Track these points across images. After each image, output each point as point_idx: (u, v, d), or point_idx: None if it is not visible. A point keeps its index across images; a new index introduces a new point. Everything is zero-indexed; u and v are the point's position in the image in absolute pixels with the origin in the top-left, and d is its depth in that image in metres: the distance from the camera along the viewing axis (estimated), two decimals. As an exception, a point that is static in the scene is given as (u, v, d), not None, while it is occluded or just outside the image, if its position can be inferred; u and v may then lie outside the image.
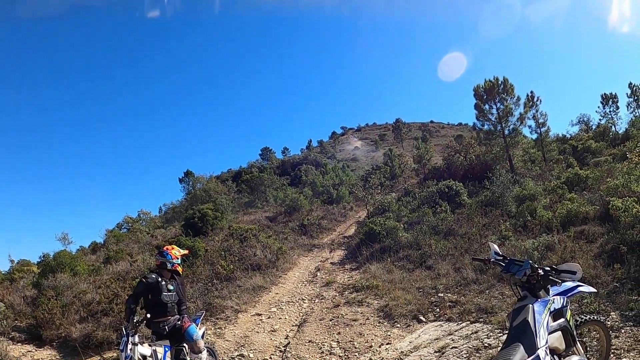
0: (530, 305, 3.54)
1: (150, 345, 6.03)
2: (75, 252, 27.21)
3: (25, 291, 17.76)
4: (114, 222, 55.59)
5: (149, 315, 6.18)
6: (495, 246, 4.46)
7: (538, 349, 3.24)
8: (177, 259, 6.82)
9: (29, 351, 11.20)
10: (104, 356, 9.95)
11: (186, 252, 7.26)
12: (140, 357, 5.66)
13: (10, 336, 12.20)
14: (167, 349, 6.20)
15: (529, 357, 3.16)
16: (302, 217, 29.31)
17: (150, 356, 5.87)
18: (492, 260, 4.35)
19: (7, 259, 47.12)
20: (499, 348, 6.15)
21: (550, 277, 3.71)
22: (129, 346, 5.55)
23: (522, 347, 3.21)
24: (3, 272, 37.74)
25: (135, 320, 5.92)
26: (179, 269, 6.86)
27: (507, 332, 6.34)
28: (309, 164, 61.99)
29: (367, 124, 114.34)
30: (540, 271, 3.73)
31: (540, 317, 3.47)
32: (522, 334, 3.36)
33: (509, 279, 4.00)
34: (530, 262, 3.83)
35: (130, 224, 40.61)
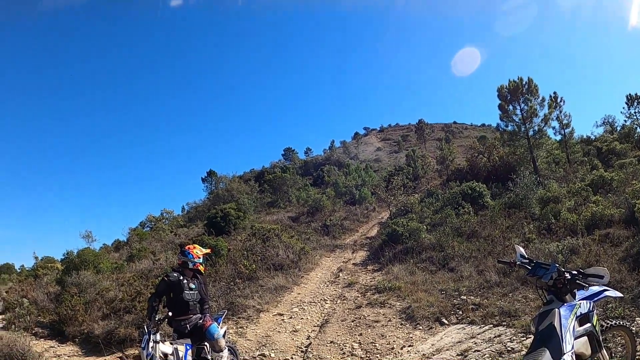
0: (557, 309, 3.48)
1: (171, 344, 6.08)
2: (99, 250, 27.57)
3: (48, 288, 18.08)
4: (137, 220, 56.06)
5: (170, 314, 6.24)
6: (521, 249, 4.40)
7: (564, 354, 3.18)
8: (199, 258, 6.87)
9: (52, 347, 11.37)
10: (126, 353, 10.04)
11: (208, 251, 7.29)
12: (161, 355, 5.71)
13: (33, 332, 12.41)
14: (188, 347, 6.25)
15: None
16: (324, 217, 29.36)
17: (172, 354, 5.91)
18: (518, 263, 4.29)
19: (32, 256, 47.86)
20: (523, 352, 6.12)
21: (577, 281, 3.65)
22: (151, 344, 5.60)
23: (548, 352, 3.15)
24: (27, 269, 38.46)
25: (157, 318, 5.98)
26: (201, 268, 6.91)
27: (532, 336, 6.27)
28: (331, 164, 61.76)
29: (389, 124, 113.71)
30: (567, 275, 3.68)
31: (566, 321, 3.42)
32: (548, 339, 3.30)
33: (535, 283, 3.92)
34: (557, 265, 3.78)
35: (153, 223, 40.99)
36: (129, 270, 18.85)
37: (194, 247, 7.01)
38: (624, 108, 36.77)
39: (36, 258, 34.46)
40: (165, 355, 5.82)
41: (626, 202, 13.01)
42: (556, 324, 3.37)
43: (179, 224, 37.92)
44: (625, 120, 37.25)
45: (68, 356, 10.51)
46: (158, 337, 5.73)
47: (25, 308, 14.35)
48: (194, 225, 33.38)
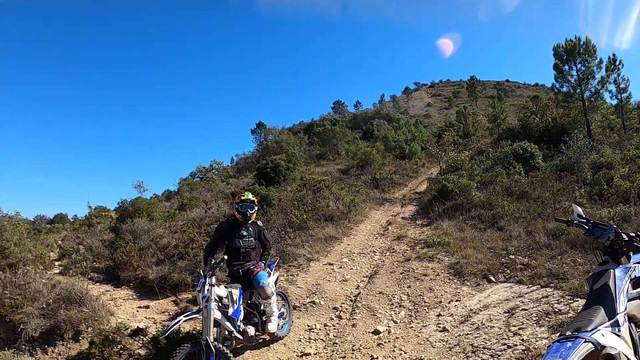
0: (612, 270, 3.55)
1: (226, 287, 6.50)
2: (150, 199, 28.43)
3: (103, 235, 18.92)
4: (187, 171, 57.15)
5: (226, 257, 6.67)
6: (579, 208, 4.39)
7: (617, 314, 3.25)
8: (237, 203, 7.22)
9: (107, 290, 11.96)
10: (179, 297, 10.48)
11: (247, 197, 7.31)
12: (216, 297, 6.10)
13: (89, 277, 13.05)
14: (242, 291, 6.67)
15: (609, 320, 3.19)
16: (374, 171, 29.37)
17: (226, 297, 6.30)
18: (575, 222, 4.31)
19: (86, 206, 49.54)
20: (570, 315, 6.29)
21: (635, 244, 3.71)
22: (206, 287, 5.97)
23: (603, 309, 3.24)
24: (80, 218, 39.86)
25: (212, 263, 6.39)
26: (237, 215, 7.22)
27: (579, 299, 6.41)
28: (381, 118, 61.16)
29: (440, 80, 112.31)
30: (625, 237, 3.74)
31: (620, 282, 3.47)
32: (603, 297, 3.38)
33: (592, 243, 4.00)
34: (615, 227, 3.83)
35: (203, 173, 41.83)
36: (180, 218, 19.44)
37: (242, 194, 7.37)
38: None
39: (90, 207, 35.56)
40: (220, 297, 6.21)
41: (683, 171, 12.83)
42: (611, 284, 3.43)
43: (228, 174, 38.57)
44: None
45: (123, 299, 11.02)
46: (213, 280, 6.10)
47: (82, 254, 15.00)
48: (243, 176, 33.90)
